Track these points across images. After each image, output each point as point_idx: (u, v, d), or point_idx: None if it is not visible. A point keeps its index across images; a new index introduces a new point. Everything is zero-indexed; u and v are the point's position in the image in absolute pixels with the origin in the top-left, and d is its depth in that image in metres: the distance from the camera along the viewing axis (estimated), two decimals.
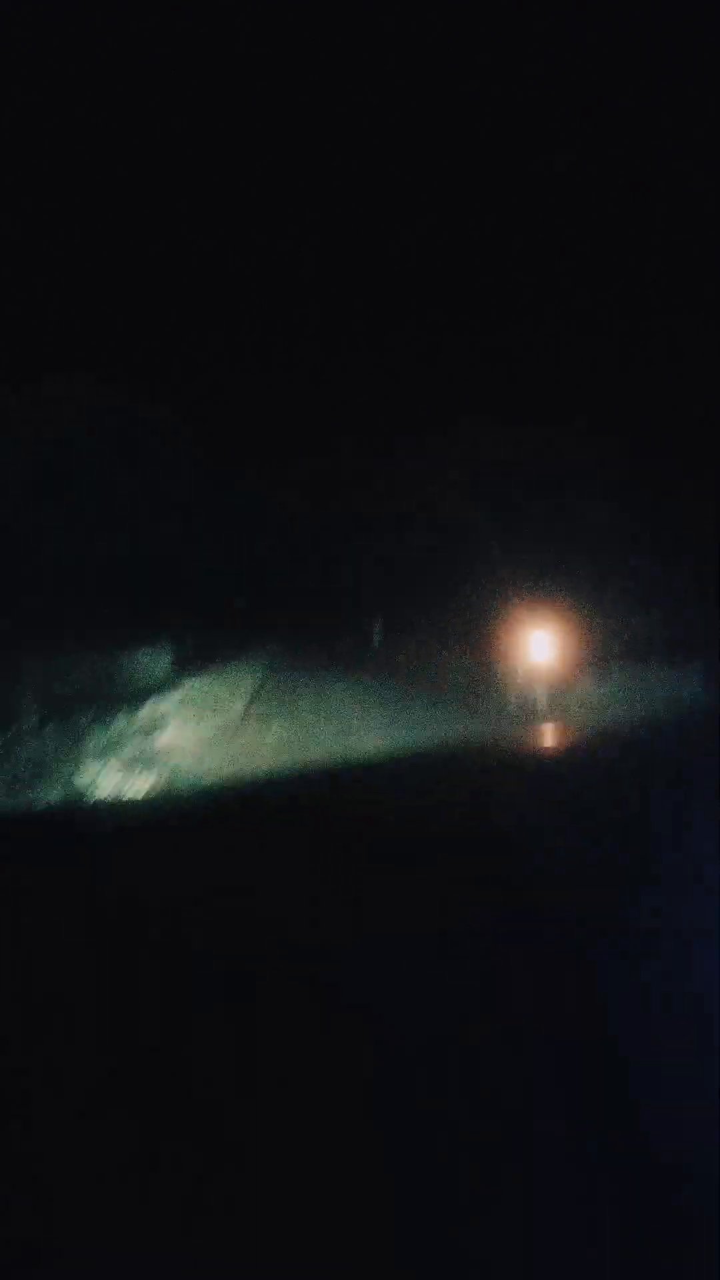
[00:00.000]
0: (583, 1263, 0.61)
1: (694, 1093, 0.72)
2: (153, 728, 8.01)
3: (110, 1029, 0.80)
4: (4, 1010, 0.84)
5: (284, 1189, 0.64)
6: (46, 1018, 0.82)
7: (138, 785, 6.07)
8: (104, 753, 7.20)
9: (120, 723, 8.24)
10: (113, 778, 6.52)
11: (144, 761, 6.88)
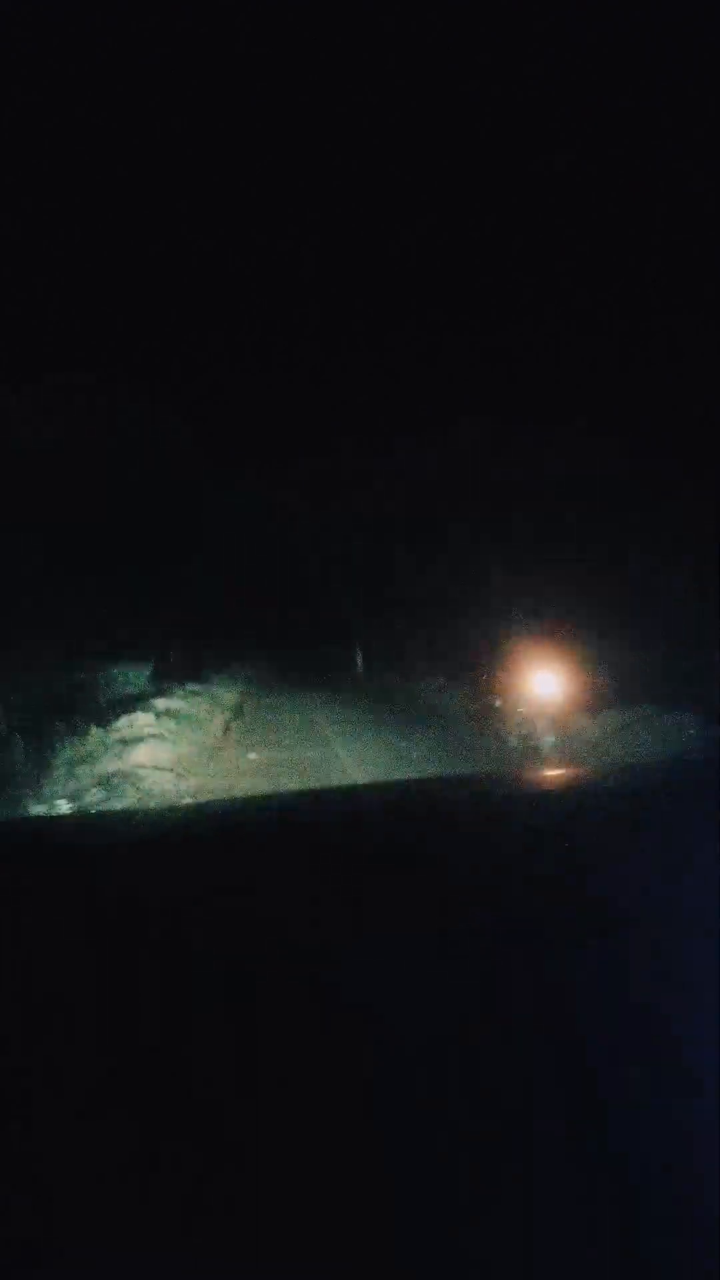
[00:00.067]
0: (583, 1263, 0.61)
1: (695, 1093, 0.72)
2: (146, 730, 8.09)
3: (110, 1029, 0.80)
4: (3, 1010, 0.84)
5: (284, 1189, 0.64)
6: (46, 1018, 0.82)
7: (132, 784, 6.16)
8: (94, 752, 7.32)
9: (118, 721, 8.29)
10: (105, 772, 6.60)
11: (134, 764, 7.00)
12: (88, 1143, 0.68)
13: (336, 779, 6.83)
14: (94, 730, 8.25)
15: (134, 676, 14.60)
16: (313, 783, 6.64)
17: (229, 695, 14.33)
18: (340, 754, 8.06)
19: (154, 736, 8.14)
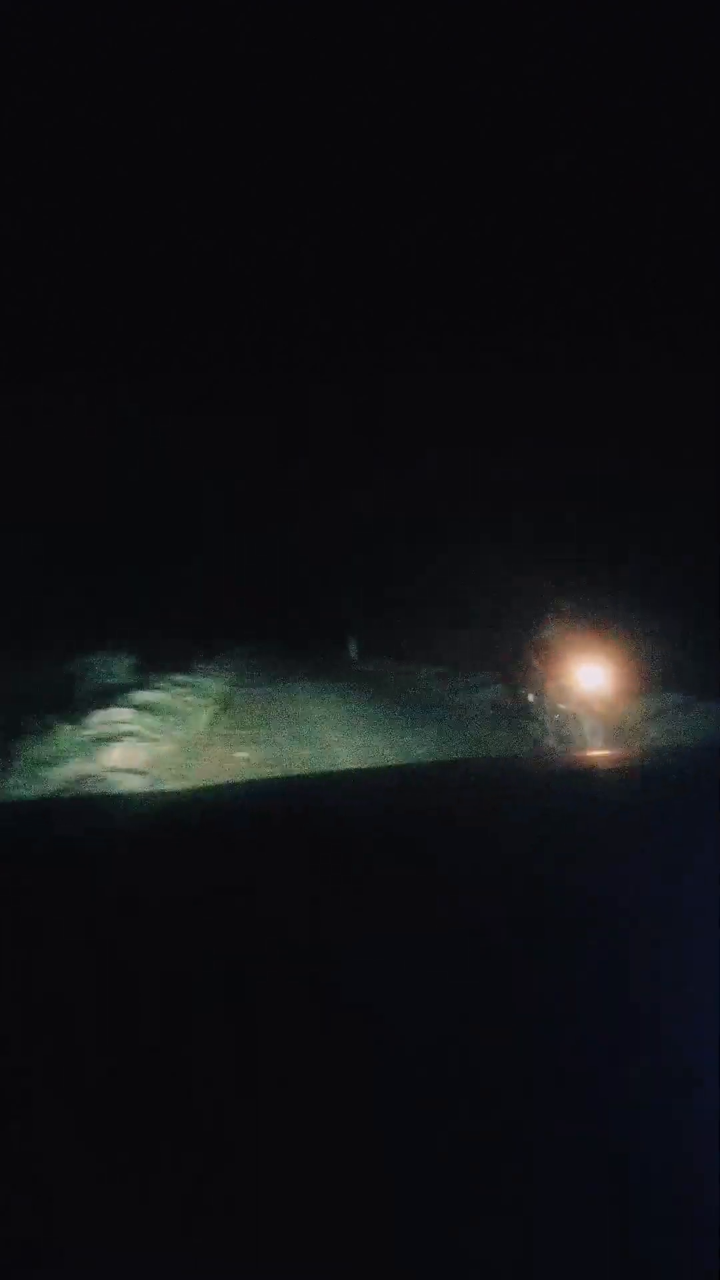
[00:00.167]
0: (583, 1263, 0.61)
1: (695, 1093, 0.72)
2: (135, 723, 7.78)
3: (110, 1029, 0.80)
4: (3, 1010, 0.84)
5: (284, 1189, 0.64)
6: (46, 1017, 0.82)
7: (126, 779, 6.00)
8: (86, 744, 7.02)
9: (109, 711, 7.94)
10: (99, 766, 6.37)
11: (127, 757, 6.70)
12: (88, 1143, 0.68)
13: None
14: (63, 727, 7.59)
15: (115, 666, 13.53)
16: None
17: (217, 686, 13.45)
18: (340, 754, 7.73)
19: (130, 735, 7.52)
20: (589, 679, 6.75)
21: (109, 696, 9.53)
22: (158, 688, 10.97)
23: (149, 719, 8.46)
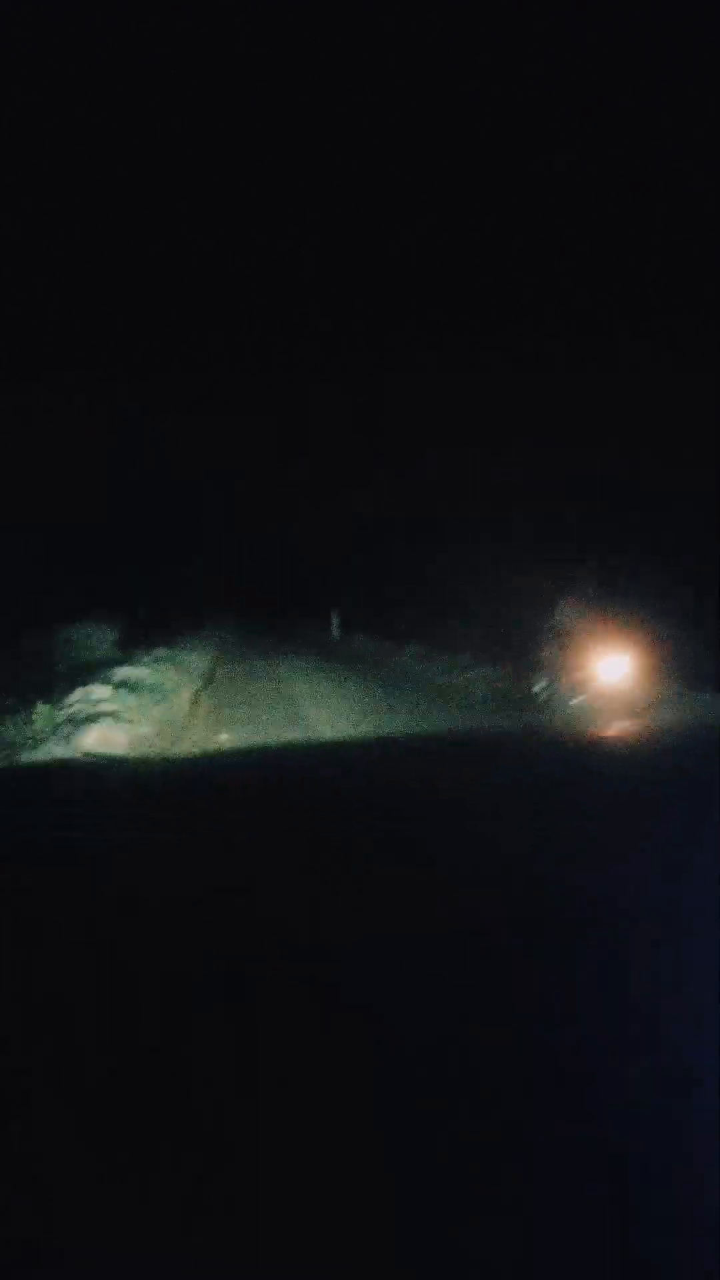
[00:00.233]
0: (583, 1262, 0.61)
1: (696, 1093, 0.72)
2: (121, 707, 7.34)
3: (110, 1028, 0.80)
4: (3, 1010, 0.84)
5: (284, 1189, 0.64)
6: (46, 1017, 0.82)
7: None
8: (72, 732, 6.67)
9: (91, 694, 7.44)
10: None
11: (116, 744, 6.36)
12: (88, 1143, 0.68)
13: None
14: (40, 707, 7.07)
15: (97, 639, 12.98)
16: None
17: (200, 661, 12.79)
18: (327, 734, 7.48)
19: (109, 715, 7.01)
20: (603, 667, 6.73)
21: (89, 673, 9.09)
22: (140, 664, 10.51)
23: (129, 698, 8.08)
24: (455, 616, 12.76)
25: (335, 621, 19.78)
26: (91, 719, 6.80)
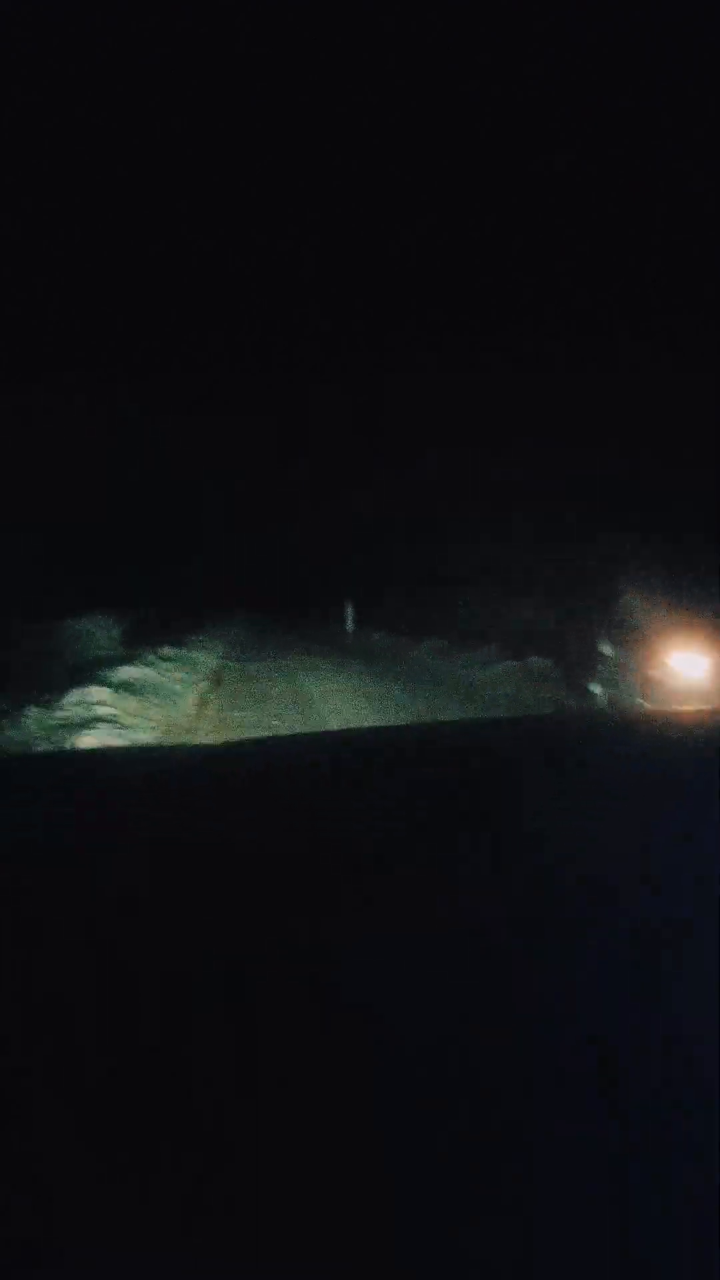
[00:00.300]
0: (583, 1263, 0.60)
1: (696, 1093, 0.72)
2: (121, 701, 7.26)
3: (110, 1028, 0.80)
4: (3, 1010, 0.84)
5: (284, 1189, 0.64)
6: (46, 1017, 0.82)
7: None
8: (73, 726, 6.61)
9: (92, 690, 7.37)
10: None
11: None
12: (88, 1143, 0.68)
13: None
14: (31, 711, 6.74)
15: (101, 636, 12.36)
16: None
17: (207, 660, 12.19)
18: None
19: (106, 720, 6.66)
20: (673, 662, 6.57)
21: (87, 673, 8.65)
22: (143, 663, 9.99)
23: (129, 700, 7.68)
24: (476, 610, 12.51)
25: (349, 615, 19.09)
26: (87, 724, 6.54)
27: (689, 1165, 0.66)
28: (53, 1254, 0.60)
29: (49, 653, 10.76)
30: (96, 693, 7.55)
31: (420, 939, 0.93)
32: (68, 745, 6.11)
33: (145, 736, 6.71)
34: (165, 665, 10.19)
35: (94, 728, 6.49)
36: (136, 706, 7.53)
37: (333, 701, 8.85)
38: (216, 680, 10.70)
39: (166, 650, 11.41)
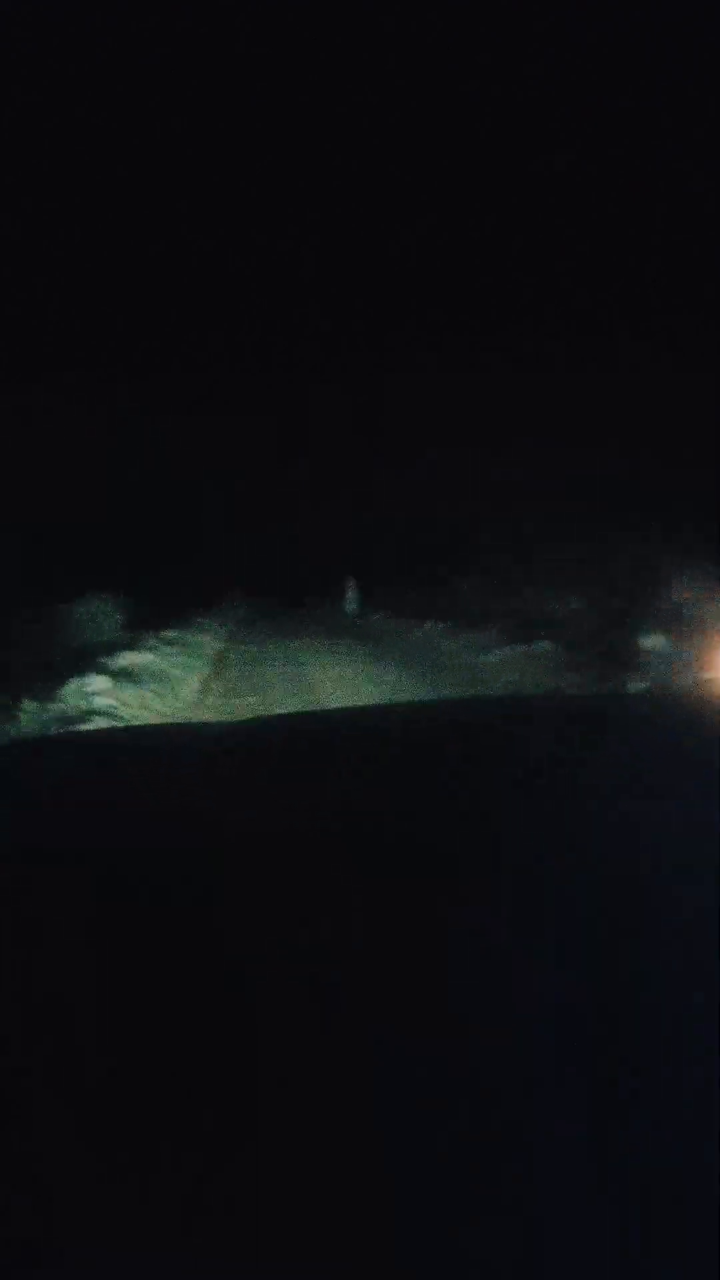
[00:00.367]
0: (583, 1263, 0.60)
1: (696, 1093, 0.72)
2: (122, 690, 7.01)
3: (110, 1028, 0.80)
4: (3, 1010, 0.84)
5: (284, 1189, 0.64)
6: (46, 1016, 0.82)
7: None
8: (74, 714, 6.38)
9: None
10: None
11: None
12: (88, 1143, 0.68)
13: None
14: (26, 703, 6.44)
15: (102, 618, 12.01)
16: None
17: (210, 644, 11.66)
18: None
19: (103, 712, 6.36)
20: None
21: (86, 660, 8.22)
22: (145, 648, 9.64)
23: (129, 689, 7.27)
24: (482, 591, 12.27)
25: (351, 595, 18.51)
26: (84, 717, 6.33)
27: (689, 1165, 0.66)
28: (53, 1254, 0.60)
29: (49, 637, 10.45)
30: (95, 682, 7.19)
31: (423, 924, 0.93)
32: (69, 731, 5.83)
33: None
34: (166, 650, 9.82)
35: (91, 721, 6.21)
36: (136, 696, 7.27)
37: (336, 684, 8.60)
38: (219, 665, 10.36)
39: (170, 633, 11.08)
